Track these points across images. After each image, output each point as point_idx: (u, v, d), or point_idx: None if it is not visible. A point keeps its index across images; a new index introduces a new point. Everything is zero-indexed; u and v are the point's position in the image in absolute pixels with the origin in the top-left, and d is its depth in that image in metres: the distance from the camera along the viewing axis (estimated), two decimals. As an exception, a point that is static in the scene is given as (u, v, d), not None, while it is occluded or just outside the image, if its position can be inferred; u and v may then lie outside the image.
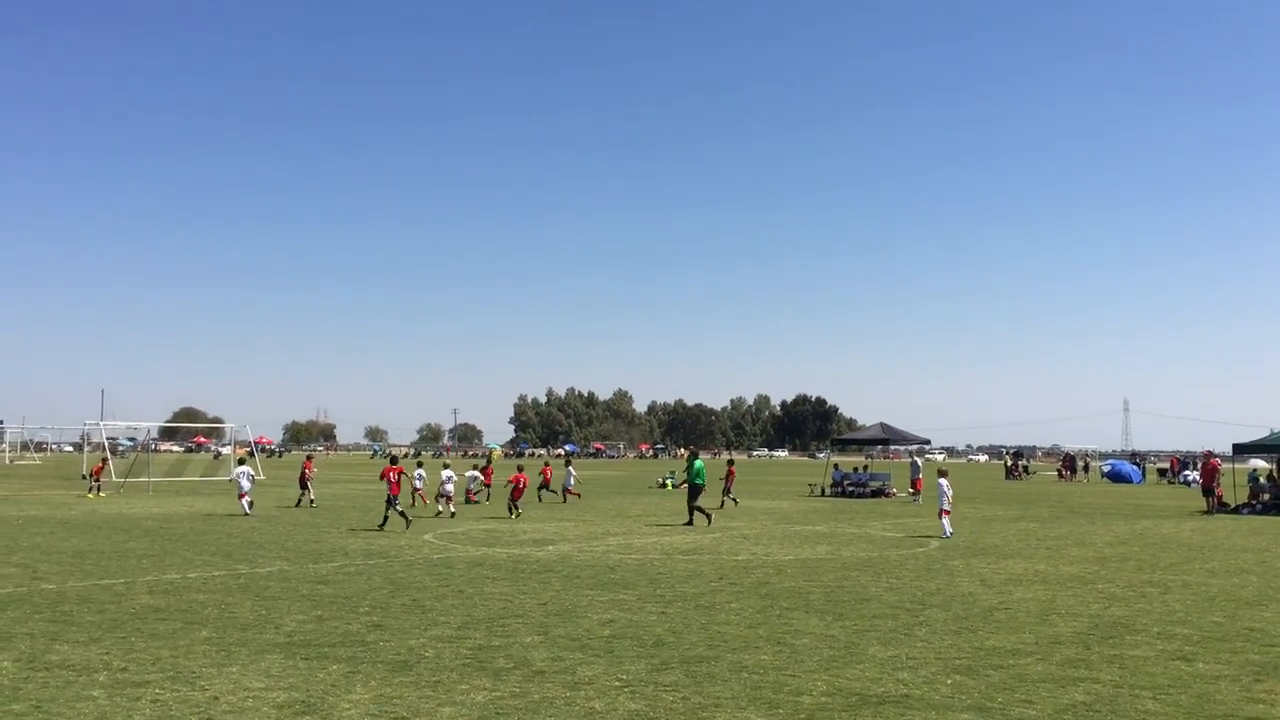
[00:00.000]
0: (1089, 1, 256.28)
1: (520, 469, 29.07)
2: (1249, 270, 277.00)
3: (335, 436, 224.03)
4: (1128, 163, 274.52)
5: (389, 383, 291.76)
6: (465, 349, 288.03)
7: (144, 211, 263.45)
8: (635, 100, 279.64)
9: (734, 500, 33.49)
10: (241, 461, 34.01)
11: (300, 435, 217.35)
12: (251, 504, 27.77)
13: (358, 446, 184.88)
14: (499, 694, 8.51)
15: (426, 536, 21.96)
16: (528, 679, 9.03)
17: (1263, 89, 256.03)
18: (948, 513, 23.39)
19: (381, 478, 24.44)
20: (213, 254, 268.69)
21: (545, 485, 34.94)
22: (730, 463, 37.43)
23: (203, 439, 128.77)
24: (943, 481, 23.70)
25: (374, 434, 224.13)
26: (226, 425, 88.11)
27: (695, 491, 25.73)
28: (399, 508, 23.28)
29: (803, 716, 7.96)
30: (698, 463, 26.25)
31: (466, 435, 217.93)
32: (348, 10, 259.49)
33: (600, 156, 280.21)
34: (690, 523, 25.41)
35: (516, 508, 27.36)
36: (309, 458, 39.92)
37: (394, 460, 27.11)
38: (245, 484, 27.85)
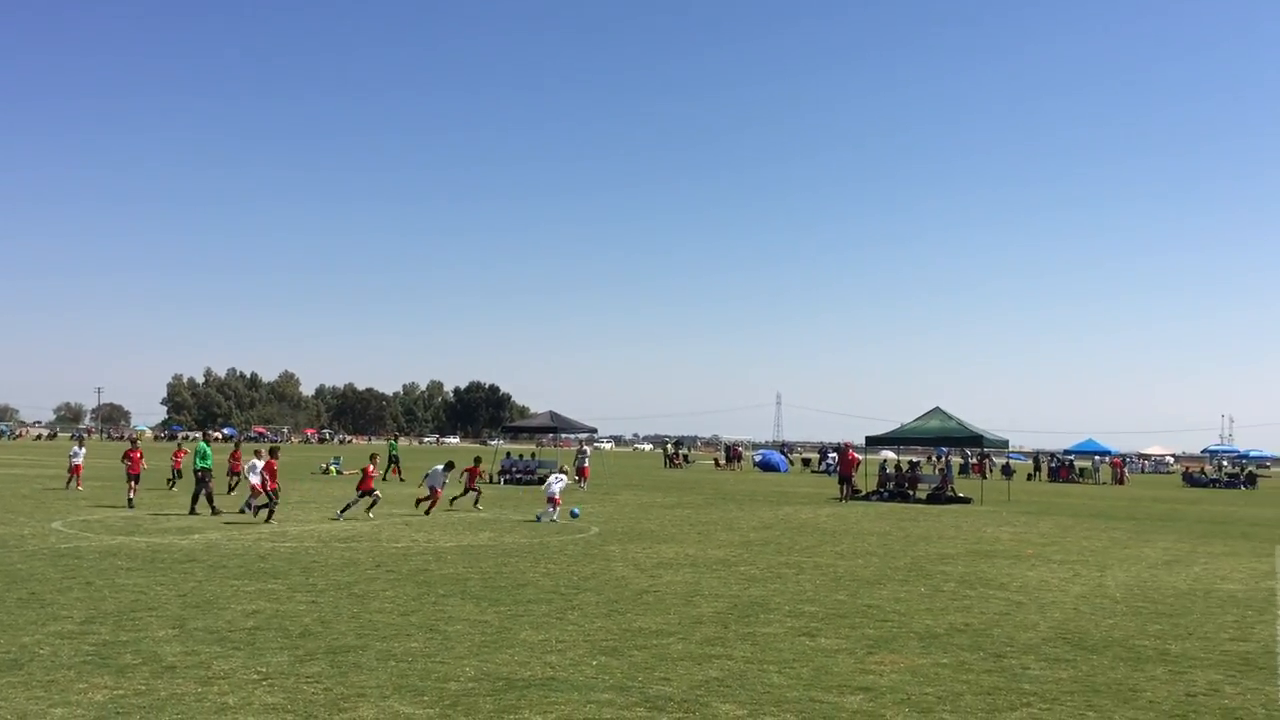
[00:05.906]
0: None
1: (478, 460, 28.55)
2: (891, 276, 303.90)
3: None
4: (791, 166, 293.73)
5: (19, 355, 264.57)
6: (112, 322, 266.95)
7: None
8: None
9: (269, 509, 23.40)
10: None
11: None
12: None
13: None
14: (121, 692, 7.91)
15: (54, 524, 20.16)
16: (156, 675, 8.45)
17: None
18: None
19: None
20: None
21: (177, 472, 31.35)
22: (258, 453, 23.87)
23: None
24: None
25: (1, 413, 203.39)
26: None
27: (203, 475, 24.00)
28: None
29: (448, 702, 7.91)
30: (201, 445, 25.12)
31: (112, 416, 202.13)
32: None
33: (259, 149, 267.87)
34: (194, 510, 23.33)
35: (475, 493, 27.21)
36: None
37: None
38: None
